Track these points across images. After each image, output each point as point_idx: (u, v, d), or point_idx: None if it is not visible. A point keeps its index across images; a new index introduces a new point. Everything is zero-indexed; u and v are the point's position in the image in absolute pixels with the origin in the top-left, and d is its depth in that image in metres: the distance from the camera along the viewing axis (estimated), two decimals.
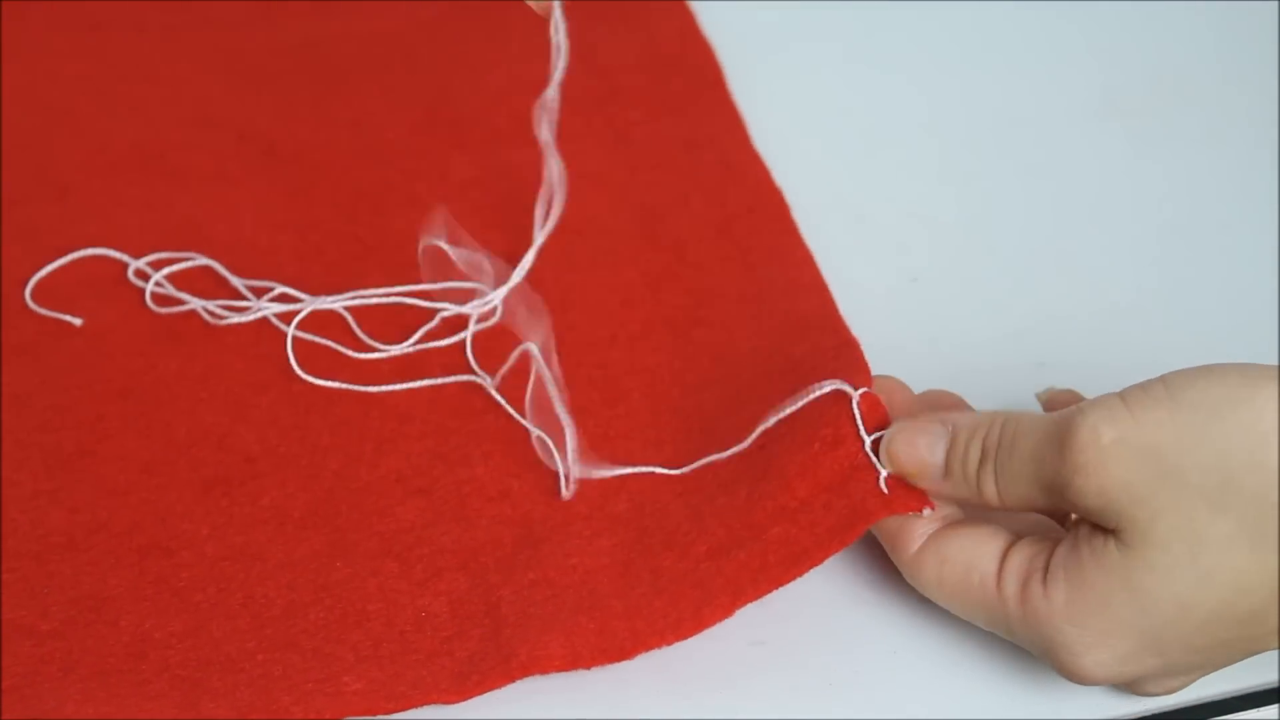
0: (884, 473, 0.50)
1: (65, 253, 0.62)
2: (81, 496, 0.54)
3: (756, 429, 0.53)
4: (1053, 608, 0.46)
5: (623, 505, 0.54)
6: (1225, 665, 0.48)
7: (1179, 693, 0.50)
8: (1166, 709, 0.50)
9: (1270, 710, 0.50)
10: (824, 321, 0.59)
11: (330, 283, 0.62)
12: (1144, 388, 0.46)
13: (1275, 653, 0.50)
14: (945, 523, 0.50)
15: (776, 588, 0.50)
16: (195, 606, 0.51)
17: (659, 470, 0.55)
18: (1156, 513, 0.44)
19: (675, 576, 0.51)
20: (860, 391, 0.52)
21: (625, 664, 0.50)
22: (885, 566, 0.52)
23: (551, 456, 0.55)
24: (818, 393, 0.52)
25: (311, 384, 0.58)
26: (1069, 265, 0.63)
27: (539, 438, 0.55)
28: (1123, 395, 0.46)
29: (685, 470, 0.54)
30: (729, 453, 0.53)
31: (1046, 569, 0.47)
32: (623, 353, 0.60)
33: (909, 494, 0.50)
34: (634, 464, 0.55)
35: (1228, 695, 0.50)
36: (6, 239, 0.63)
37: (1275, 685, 0.51)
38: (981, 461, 0.48)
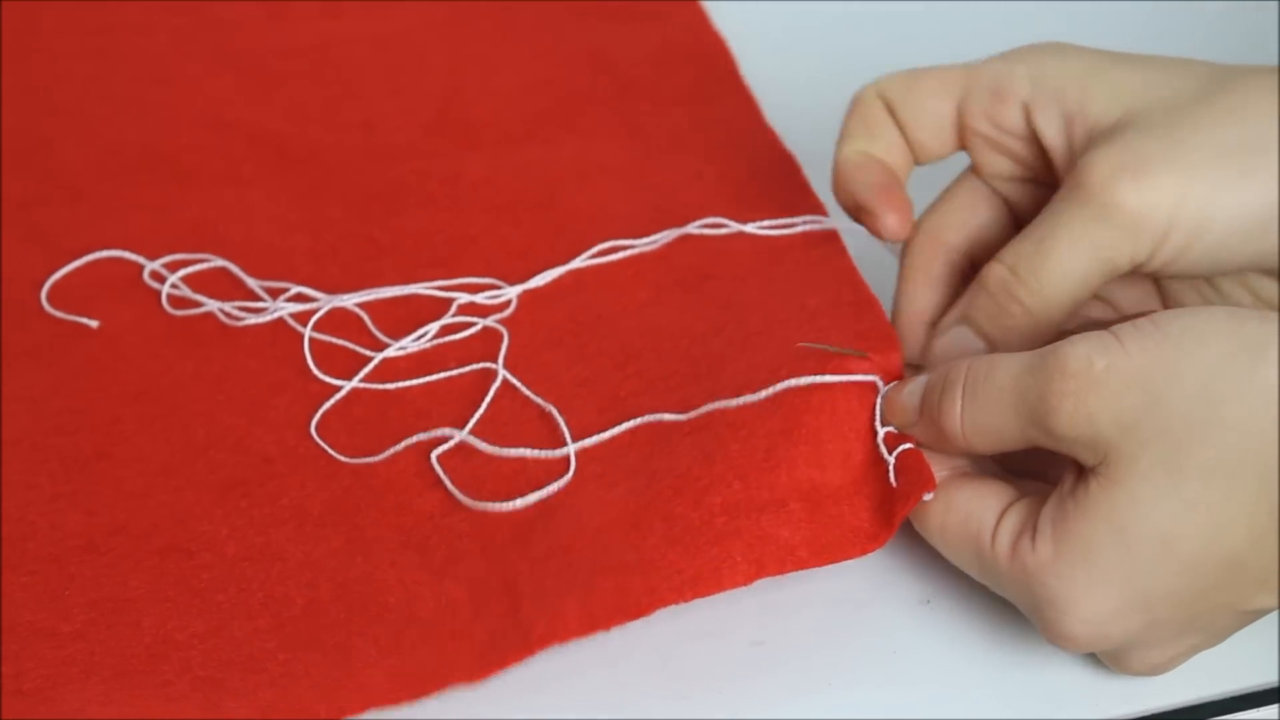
0: (891, 462, 0.51)
1: (79, 255, 0.62)
2: (100, 499, 0.54)
3: (773, 386, 0.53)
4: (1040, 562, 0.47)
5: (634, 457, 0.54)
6: (1210, 634, 0.48)
7: (1178, 693, 0.50)
8: (1167, 709, 0.50)
9: (1270, 710, 0.50)
10: (840, 274, 0.58)
11: (345, 283, 0.62)
12: (1133, 323, 0.46)
13: (1275, 653, 0.51)
14: (956, 471, 0.51)
15: (801, 569, 0.50)
16: (216, 607, 0.51)
17: (665, 418, 0.54)
18: (1142, 442, 0.45)
19: (689, 526, 0.50)
20: (887, 388, 0.52)
21: (625, 664, 0.51)
22: (885, 567, 0.53)
23: (563, 434, 0.55)
24: (849, 378, 0.52)
25: (328, 383, 0.58)
26: None
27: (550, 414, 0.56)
28: (1112, 330, 0.46)
29: (692, 415, 0.54)
30: (739, 401, 0.53)
31: (1036, 526, 0.47)
32: (633, 320, 0.59)
33: (913, 482, 0.50)
34: (643, 417, 0.55)
35: (1228, 695, 0.51)
36: (21, 242, 0.63)
37: (1275, 685, 0.51)
38: (945, 390, 0.49)
